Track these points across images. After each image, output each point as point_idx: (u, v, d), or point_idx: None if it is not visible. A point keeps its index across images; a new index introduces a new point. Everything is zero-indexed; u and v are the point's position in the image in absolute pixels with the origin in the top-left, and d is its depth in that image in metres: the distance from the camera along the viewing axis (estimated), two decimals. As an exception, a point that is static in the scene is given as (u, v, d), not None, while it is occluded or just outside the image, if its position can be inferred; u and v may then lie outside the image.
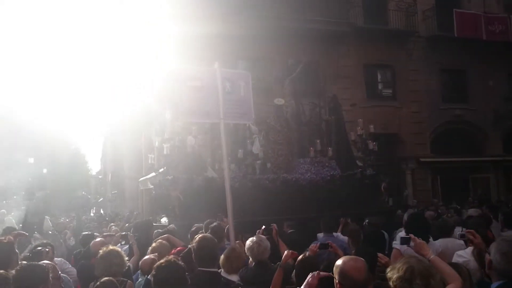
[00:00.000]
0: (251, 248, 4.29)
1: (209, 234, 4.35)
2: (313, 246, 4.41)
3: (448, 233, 5.50)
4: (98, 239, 5.60)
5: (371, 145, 10.89)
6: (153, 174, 10.55)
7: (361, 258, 2.75)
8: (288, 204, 9.00)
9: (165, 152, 10.08)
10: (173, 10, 14.93)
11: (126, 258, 4.40)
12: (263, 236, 4.61)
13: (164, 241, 5.16)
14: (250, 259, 4.40)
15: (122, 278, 4.05)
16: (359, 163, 10.93)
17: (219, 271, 4.11)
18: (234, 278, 4.10)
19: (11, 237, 4.91)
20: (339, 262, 2.72)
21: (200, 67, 5.34)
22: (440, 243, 5.12)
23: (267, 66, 16.60)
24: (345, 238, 6.37)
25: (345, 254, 4.16)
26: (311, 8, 16.68)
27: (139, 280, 4.58)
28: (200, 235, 4.14)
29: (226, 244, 5.22)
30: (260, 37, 15.66)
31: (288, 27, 16.15)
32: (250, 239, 4.40)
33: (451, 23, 19.17)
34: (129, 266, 4.81)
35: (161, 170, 9.73)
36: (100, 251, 4.32)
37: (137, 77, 19.65)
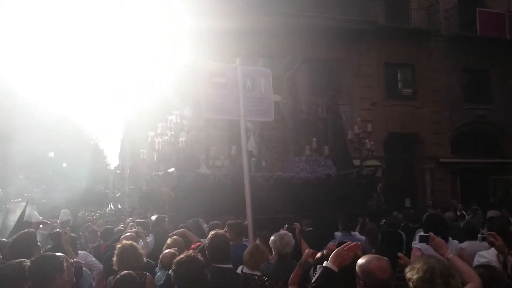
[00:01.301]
0: (273, 241, 4.35)
1: (221, 231, 4.36)
2: (331, 244, 4.39)
3: (474, 236, 5.43)
4: (127, 233, 5.65)
5: (369, 144, 10.79)
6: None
7: (385, 258, 2.72)
8: (283, 203, 8.87)
9: (156, 147, 10.10)
10: (191, 5, 14.95)
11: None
12: (288, 232, 4.64)
13: (178, 237, 5.18)
14: (271, 255, 4.43)
15: (141, 272, 4.08)
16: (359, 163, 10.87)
17: (241, 267, 4.13)
18: (257, 273, 4.12)
19: (33, 230, 4.99)
20: (362, 261, 2.68)
21: (224, 63, 5.33)
22: (466, 245, 5.05)
23: (289, 63, 16.52)
24: (363, 237, 6.35)
25: (364, 254, 4.14)
26: (332, 6, 16.56)
27: (157, 274, 4.61)
28: (212, 232, 4.16)
29: (244, 241, 5.24)
30: (280, 34, 15.61)
31: (308, 25, 16.08)
32: (275, 234, 4.44)
33: (473, 22, 18.87)
34: (148, 260, 4.85)
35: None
36: (118, 246, 4.36)
37: (156, 72, 19.77)
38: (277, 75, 11.11)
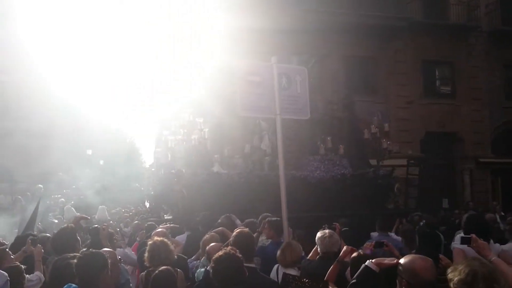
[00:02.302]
0: (322, 238, 4.32)
1: (246, 229, 4.34)
2: (368, 244, 4.35)
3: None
4: (159, 229, 5.73)
5: (385, 144, 10.55)
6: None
7: (429, 258, 2.67)
8: (296, 202, 8.75)
9: (169, 145, 10.13)
10: (227, 2, 14.99)
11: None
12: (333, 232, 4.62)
13: (215, 234, 5.21)
14: (310, 254, 4.40)
15: (172, 268, 4.11)
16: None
17: (277, 266, 4.11)
18: (291, 271, 4.09)
19: (72, 225, 5.13)
20: (405, 260, 2.65)
21: (259, 62, 5.32)
22: (509, 247, 4.88)
23: (322, 62, 16.38)
24: (399, 238, 6.25)
25: (401, 254, 4.09)
26: (367, 2, 16.34)
27: (199, 269, 4.64)
28: (237, 230, 4.14)
29: (282, 239, 5.22)
30: (315, 32, 15.50)
31: (343, 22, 15.92)
32: (323, 231, 4.43)
33: (516, 16, 18.28)
34: (180, 255, 4.90)
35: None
36: (149, 242, 4.42)
37: (191, 71, 19.91)
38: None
